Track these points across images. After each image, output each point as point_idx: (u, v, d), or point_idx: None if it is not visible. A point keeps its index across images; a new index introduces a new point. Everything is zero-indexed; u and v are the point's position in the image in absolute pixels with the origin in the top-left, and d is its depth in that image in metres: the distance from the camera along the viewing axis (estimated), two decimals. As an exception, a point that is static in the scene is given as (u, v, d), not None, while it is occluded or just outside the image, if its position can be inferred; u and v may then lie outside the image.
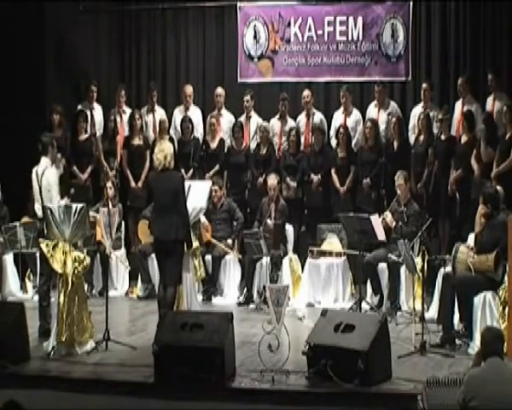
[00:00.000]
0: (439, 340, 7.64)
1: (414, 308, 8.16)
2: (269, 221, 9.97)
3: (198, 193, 8.83)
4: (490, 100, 10.42)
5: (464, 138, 10.10)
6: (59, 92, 12.07)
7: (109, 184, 10.09)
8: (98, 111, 11.73)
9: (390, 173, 10.08)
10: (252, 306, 9.77)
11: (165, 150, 7.92)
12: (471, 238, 8.48)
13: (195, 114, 11.62)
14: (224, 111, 11.56)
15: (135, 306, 10.00)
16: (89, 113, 11.52)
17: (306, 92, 11.20)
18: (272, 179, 10.22)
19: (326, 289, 9.94)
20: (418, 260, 8.20)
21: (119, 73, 12.48)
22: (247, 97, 11.37)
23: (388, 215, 9.46)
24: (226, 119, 11.54)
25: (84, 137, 11.19)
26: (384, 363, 6.59)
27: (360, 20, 11.43)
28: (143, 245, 10.24)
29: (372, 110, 11.07)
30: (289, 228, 10.38)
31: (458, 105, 10.59)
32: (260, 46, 11.83)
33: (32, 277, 10.49)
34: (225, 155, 11.27)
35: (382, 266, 9.43)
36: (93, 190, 11.05)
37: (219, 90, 11.56)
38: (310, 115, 11.17)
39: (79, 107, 11.68)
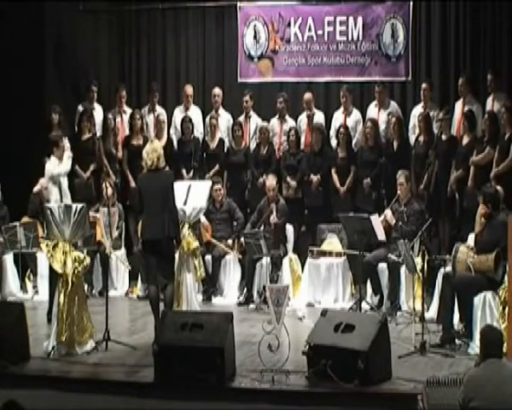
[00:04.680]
0: (439, 340, 7.63)
1: (414, 308, 8.15)
2: (272, 219, 9.98)
3: (198, 193, 8.84)
4: (489, 100, 10.42)
5: (466, 139, 10.09)
6: (59, 92, 12.07)
7: (107, 184, 10.09)
8: (98, 111, 11.74)
9: (390, 173, 10.09)
10: (252, 306, 9.77)
11: (157, 150, 7.92)
12: (471, 238, 8.48)
13: (195, 113, 11.63)
14: (221, 111, 11.57)
15: (135, 306, 10.00)
16: (89, 113, 11.55)
17: (307, 97, 11.18)
18: (271, 180, 10.22)
19: (326, 289, 9.95)
20: (418, 260, 8.19)
21: (119, 73, 12.49)
22: (247, 97, 11.37)
23: (388, 213, 9.47)
24: (224, 119, 11.55)
25: (86, 136, 11.20)
26: (384, 363, 6.59)
27: (360, 20, 11.43)
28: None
29: (372, 110, 11.07)
30: (289, 228, 10.38)
31: (459, 105, 10.58)
32: (260, 46, 11.83)
33: (32, 277, 10.50)
34: (225, 154, 11.28)
35: (382, 266, 9.43)
36: (95, 188, 11.06)
37: (217, 91, 11.58)
38: (311, 115, 11.16)
39: (80, 107, 11.69)
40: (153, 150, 7.90)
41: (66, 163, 9.39)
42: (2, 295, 10.17)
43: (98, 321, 7.82)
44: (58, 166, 9.42)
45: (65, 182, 9.40)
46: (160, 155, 7.90)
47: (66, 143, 9.51)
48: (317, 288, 9.98)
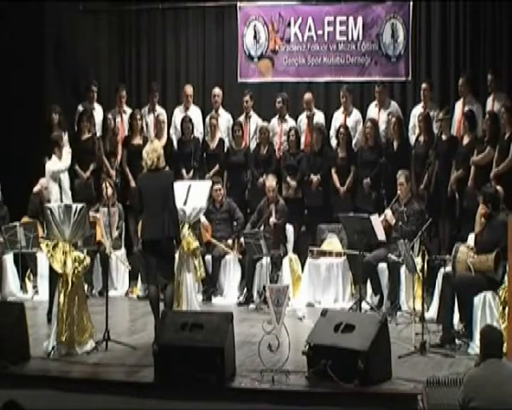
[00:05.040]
0: (439, 340, 7.63)
1: (414, 308, 8.15)
2: (271, 220, 9.98)
3: (198, 193, 8.84)
4: (490, 101, 10.42)
5: (466, 139, 10.09)
6: (59, 92, 12.07)
7: (107, 184, 10.09)
8: (98, 111, 11.74)
9: (390, 173, 10.09)
10: (252, 306, 9.77)
11: (157, 150, 7.92)
12: (471, 238, 8.48)
13: (195, 113, 11.63)
14: (221, 111, 11.57)
15: (135, 306, 10.00)
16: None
17: (307, 97, 11.18)
18: (271, 181, 10.22)
19: (326, 289, 9.94)
20: (418, 260, 8.19)
21: (119, 73, 12.49)
22: (247, 97, 11.37)
23: (389, 213, 9.48)
24: (224, 118, 11.55)
25: (86, 136, 11.20)
26: (384, 363, 6.59)
27: (360, 20, 11.43)
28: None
29: (372, 110, 11.07)
30: (289, 228, 10.38)
31: (459, 105, 10.58)
32: (260, 46, 11.83)
33: (32, 277, 10.50)
34: (225, 154, 11.28)
35: (382, 266, 9.43)
36: (95, 188, 11.06)
37: (217, 91, 11.58)
38: (311, 115, 11.16)
39: (80, 107, 11.69)
40: (153, 150, 7.90)
41: (66, 158, 9.37)
42: (2, 295, 10.17)
43: (98, 321, 7.82)
44: (58, 163, 9.42)
45: (66, 181, 9.40)
46: (159, 154, 7.89)
47: (65, 138, 9.52)
48: (317, 288, 9.98)
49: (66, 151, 9.35)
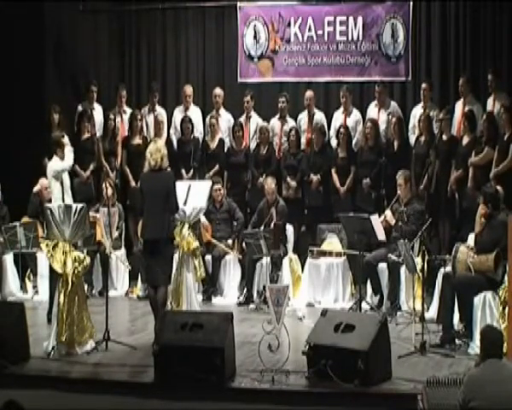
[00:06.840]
0: (439, 340, 7.64)
1: (414, 308, 8.15)
2: (273, 223, 9.98)
3: (198, 193, 8.83)
4: (490, 101, 10.42)
5: (466, 139, 10.09)
6: (59, 92, 12.07)
7: (107, 184, 10.08)
8: (98, 111, 11.74)
9: (390, 173, 10.09)
10: (252, 306, 9.77)
11: (161, 150, 7.89)
12: (471, 238, 8.48)
13: (195, 113, 11.63)
14: (222, 111, 11.57)
15: (135, 306, 10.00)
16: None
17: (309, 94, 11.18)
18: (270, 183, 10.22)
19: (326, 289, 9.95)
20: (418, 260, 8.19)
21: (119, 73, 12.50)
22: (247, 98, 11.37)
23: (388, 213, 9.48)
24: (224, 119, 11.55)
25: (86, 136, 11.20)
26: (384, 363, 6.59)
27: (360, 20, 11.43)
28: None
29: (372, 110, 11.07)
30: (289, 228, 10.38)
31: (459, 105, 10.58)
32: (260, 46, 11.83)
33: (32, 277, 10.50)
34: (225, 155, 11.28)
35: (382, 266, 9.43)
36: (95, 188, 11.06)
37: (218, 91, 11.58)
38: (311, 115, 11.17)
39: (79, 107, 11.69)
40: (156, 150, 7.86)
41: (69, 157, 9.23)
42: (2, 295, 10.17)
43: (98, 321, 7.82)
44: (61, 162, 9.33)
45: (67, 180, 9.33)
46: (163, 154, 7.87)
47: (65, 139, 9.49)
48: (316, 288, 9.98)
49: (69, 150, 9.24)
